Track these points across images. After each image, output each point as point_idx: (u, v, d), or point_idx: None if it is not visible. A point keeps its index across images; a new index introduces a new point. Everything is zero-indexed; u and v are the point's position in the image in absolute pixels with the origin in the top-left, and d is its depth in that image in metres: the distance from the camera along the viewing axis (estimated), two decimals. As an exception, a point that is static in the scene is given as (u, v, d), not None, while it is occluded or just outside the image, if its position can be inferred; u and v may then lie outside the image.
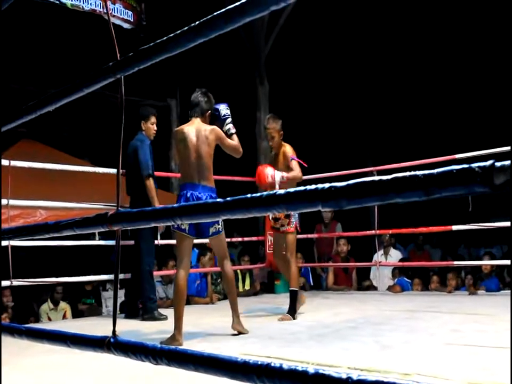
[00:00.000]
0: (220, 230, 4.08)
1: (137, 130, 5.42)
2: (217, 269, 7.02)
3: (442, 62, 12.12)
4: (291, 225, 5.05)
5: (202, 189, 3.94)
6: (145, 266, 5.26)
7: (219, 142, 4.09)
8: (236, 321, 4.10)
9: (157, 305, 5.39)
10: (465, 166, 0.82)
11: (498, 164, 0.79)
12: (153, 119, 5.42)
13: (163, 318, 5.16)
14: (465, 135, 11.12)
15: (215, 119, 4.32)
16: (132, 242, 5.32)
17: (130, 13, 7.27)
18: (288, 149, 5.06)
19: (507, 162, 0.78)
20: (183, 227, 3.85)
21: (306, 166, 5.09)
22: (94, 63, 1.51)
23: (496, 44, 10.73)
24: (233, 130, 4.25)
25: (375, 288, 7.51)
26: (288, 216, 5.03)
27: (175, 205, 1.33)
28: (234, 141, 4.19)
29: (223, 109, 4.38)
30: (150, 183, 5.11)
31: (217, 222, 3.98)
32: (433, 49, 11.97)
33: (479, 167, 0.80)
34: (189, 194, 3.90)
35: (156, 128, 5.45)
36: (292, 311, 4.79)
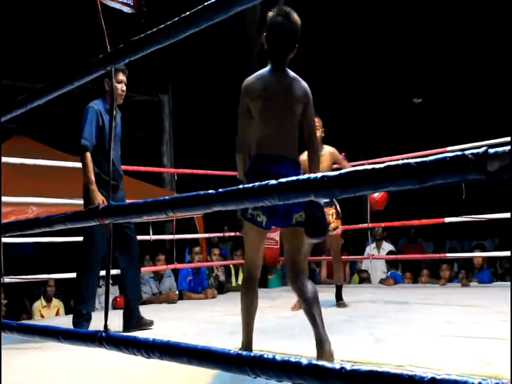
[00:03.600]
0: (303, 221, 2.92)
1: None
2: (209, 263, 7.04)
3: (435, 54, 12.13)
4: (340, 226, 5.10)
5: (287, 163, 2.81)
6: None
7: (306, 106, 2.89)
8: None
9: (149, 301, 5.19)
10: (459, 153, 0.82)
11: (491, 151, 0.79)
12: (120, 76, 4.09)
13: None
14: (458, 128, 11.15)
15: None
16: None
17: (129, -4, 7.19)
18: (335, 151, 5.03)
19: (500, 149, 0.77)
20: (259, 219, 2.80)
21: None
22: (88, 58, 1.49)
23: (489, 39, 10.75)
24: None
25: (370, 281, 7.54)
26: (339, 217, 5.05)
27: (167, 197, 1.32)
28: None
29: None
30: (84, 156, 3.98)
31: (301, 207, 2.81)
32: (426, 44, 11.98)
33: (472, 154, 0.80)
34: (272, 170, 2.77)
35: (124, 89, 4.14)
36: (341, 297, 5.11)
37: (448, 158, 0.82)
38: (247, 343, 3.00)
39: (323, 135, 4.88)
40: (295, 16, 2.80)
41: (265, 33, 2.86)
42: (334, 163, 5.05)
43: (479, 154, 0.79)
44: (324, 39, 11.86)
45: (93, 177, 3.92)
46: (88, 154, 3.96)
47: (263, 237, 2.96)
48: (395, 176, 0.88)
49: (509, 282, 6.84)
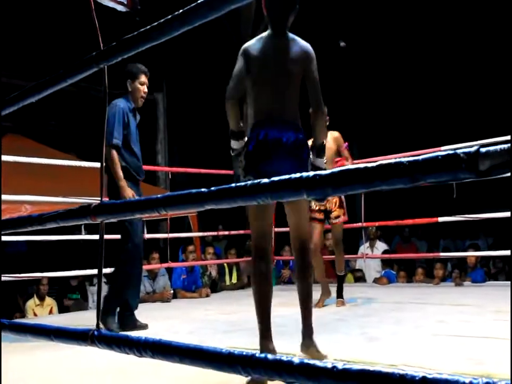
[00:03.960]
0: None
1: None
2: (204, 262, 7.04)
3: (430, 55, 12.15)
4: (346, 215, 5.08)
5: (283, 126, 2.68)
6: None
7: (308, 71, 2.79)
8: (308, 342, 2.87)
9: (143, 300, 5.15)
10: (451, 152, 0.82)
11: (483, 150, 0.79)
12: (143, 78, 4.27)
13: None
14: (452, 127, 11.17)
15: None
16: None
17: (123, -6, 7.16)
18: (339, 136, 5.05)
19: (492, 148, 0.77)
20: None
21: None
22: (83, 55, 1.49)
23: (483, 40, 10.78)
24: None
25: (364, 280, 7.55)
26: (342, 206, 5.02)
27: (159, 195, 1.32)
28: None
29: None
30: (112, 153, 4.02)
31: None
32: (421, 43, 11.99)
33: (464, 153, 0.80)
34: (262, 136, 2.66)
35: (146, 91, 4.31)
36: (341, 295, 5.05)
37: (440, 157, 0.82)
38: (264, 343, 2.68)
39: (327, 123, 4.73)
40: None
41: None
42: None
43: (470, 153, 0.79)
44: (320, 41, 11.84)
45: (121, 174, 4.02)
46: (116, 152, 4.05)
47: (270, 206, 2.77)
48: (387, 175, 0.87)
49: (502, 282, 6.88)
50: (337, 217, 5.01)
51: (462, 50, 11.67)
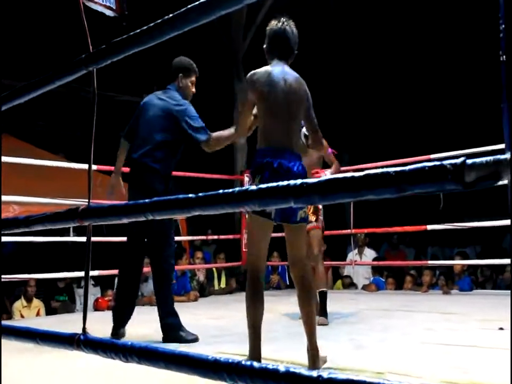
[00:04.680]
0: (307, 217, 3.09)
1: (166, 85, 4.15)
2: (192, 266, 7.02)
3: (420, 65, 12.21)
4: (319, 222, 4.72)
5: (292, 156, 2.86)
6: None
7: (307, 103, 2.98)
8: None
9: None
10: (437, 163, 0.82)
11: (469, 162, 0.79)
12: (193, 78, 4.14)
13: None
14: (442, 135, 11.23)
15: None
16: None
17: (112, 0, 7.14)
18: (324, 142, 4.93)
19: (478, 160, 0.77)
20: (267, 210, 2.76)
21: (336, 153, 4.97)
22: (74, 56, 1.49)
23: (472, 47, 10.85)
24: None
25: (355, 286, 7.56)
26: (316, 212, 4.70)
27: (146, 200, 1.32)
28: None
29: None
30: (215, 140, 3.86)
31: (304, 205, 2.90)
32: (411, 52, 12.05)
33: (450, 164, 0.80)
34: (276, 164, 2.80)
35: (194, 91, 4.16)
36: (325, 313, 4.44)
37: (426, 168, 0.82)
38: (254, 354, 2.79)
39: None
40: (292, 26, 3.03)
41: (266, 41, 3.04)
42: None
43: (457, 164, 0.79)
44: (310, 47, 11.88)
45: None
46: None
47: (268, 231, 2.91)
48: (374, 184, 0.88)
49: (489, 290, 6.92)
50: (310, 222, 4.81)
51: (451, 58, 11.75)
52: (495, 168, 0.76)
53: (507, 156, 0.76)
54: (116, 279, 3.98)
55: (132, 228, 3.94)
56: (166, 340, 3.72)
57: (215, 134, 3.86)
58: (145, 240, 3.96)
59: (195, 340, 3.71)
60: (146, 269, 6.25)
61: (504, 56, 0.80)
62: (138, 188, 3.88)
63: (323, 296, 4.52)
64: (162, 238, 3.89)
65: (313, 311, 2.91)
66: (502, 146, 0.79)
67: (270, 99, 2.88)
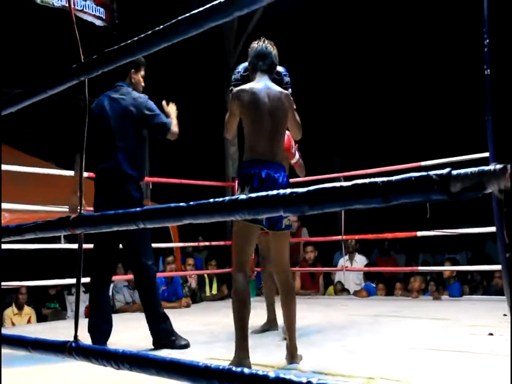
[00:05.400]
0: (291, 224, 3.24)
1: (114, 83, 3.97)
2: (184, 272, 7.02)
3: (410, 71, 12.28)
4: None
5: (277, 167, 3.05)
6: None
7: (290, 113, 3.20)
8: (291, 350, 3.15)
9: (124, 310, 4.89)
10: (423, 173, 0.84)
11: (454, 173, 0.81)
12: (143, 72, 4.00)
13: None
14: (433, 143, 11.29)
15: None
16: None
17: (102, 10, 7.12)
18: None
19: (463, 171, 0.79)
20: (259, 218, 2.83)
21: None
22: (66, 64, 1.50)
23: (460, 57, 10.92)
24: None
25: (347, 292, 7.57)
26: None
27: (138, 209, 1.33)
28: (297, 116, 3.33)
29: (287, 75, 3.76)
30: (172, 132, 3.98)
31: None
32: (401, 58, 12.13)
33: (436, 175, 0.82)
34: (264, 174, 2.97)
35: (144, 85, 4.03)
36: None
37: (413, 178, 0.84)
38: (240, 357, 2.90)
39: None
40: (267, 43, 3.27)
41: (249, 59, 3.27)
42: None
43: (443, 175, 0.81)
44: (300, 55, 11.95)
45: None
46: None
47: (255, 237, 3.14)
48: (361, 194, 0.89)
49: (479, 296, 6.95)
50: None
51: (440, 64, 11.84)
52: (479, 179, 0.78)
53: (491, 167, 0.78)
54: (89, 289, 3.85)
55: (105, 233, 3.55)
56: (157, 345, 3.72)
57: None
58: (119, 246, 3.86)
59: (186, 345, 3.71)
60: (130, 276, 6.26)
61: (488, 70, 0.82)
62: (113, 196, 3.78)
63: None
64: (139, 242, 3.78)
65: (294, 313, 3.15)
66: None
67: (255, 115, 3.07)
